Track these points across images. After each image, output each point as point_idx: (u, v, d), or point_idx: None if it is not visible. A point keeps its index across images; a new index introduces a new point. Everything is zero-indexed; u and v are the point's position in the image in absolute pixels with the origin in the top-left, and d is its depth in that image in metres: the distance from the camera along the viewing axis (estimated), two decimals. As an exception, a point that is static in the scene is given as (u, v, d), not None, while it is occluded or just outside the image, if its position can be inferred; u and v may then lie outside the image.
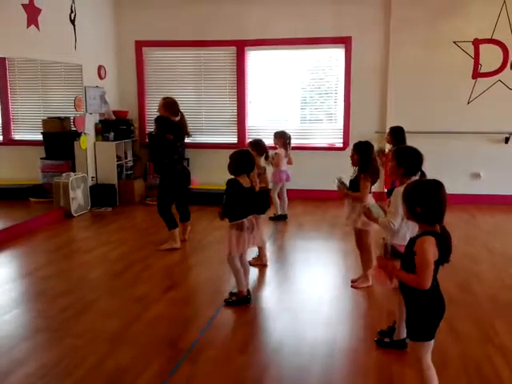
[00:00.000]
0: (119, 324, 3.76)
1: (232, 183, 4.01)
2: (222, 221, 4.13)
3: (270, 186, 5.86)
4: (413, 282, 2.39)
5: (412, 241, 2.44)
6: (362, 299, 4.24)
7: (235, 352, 3.35)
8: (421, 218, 2.43)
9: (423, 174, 3.18)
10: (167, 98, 5.66)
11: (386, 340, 3.43)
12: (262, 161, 5.27)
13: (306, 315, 3.95)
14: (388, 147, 5.78)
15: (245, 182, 4.05)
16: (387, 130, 5.82)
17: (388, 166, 3.45)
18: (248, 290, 4.18)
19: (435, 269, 2.39)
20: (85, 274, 4.93)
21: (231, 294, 4.19)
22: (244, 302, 4.10)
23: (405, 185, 2.81)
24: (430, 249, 2.32)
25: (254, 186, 4.13)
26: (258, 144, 5.25)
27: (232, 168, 4.08)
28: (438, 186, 2.46)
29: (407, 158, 3.26)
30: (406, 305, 2.59)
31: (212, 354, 3.32)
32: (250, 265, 4.62)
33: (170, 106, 5.54)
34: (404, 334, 3.30)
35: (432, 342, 2.57)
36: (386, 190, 6.07)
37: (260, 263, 5.10)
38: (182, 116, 5.65)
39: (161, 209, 5.62)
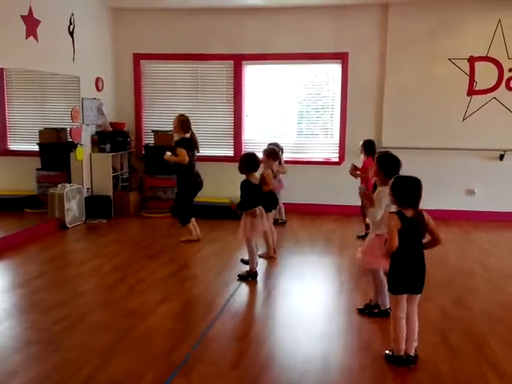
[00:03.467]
0: (111, 337, 3.73)
1: (245, 183, 5.00)
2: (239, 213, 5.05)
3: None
4: (386, 245, 3.28)
5: None
6: (356, 315, 4.21)
7: (227, 367, 3.33)
8: (401, 203, 3.23)
9: None
10: (182, 115, 6.26)
11: (375, 311, 4.16)
12: (275, 166, 6.24)
13: (299, 330, 3.93)
14: (361, 157, 6.53)
15: (254, 179, 5.05)
16: (360, 143, 6.51)
17: (372, 169, 4.15)
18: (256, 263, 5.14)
19: (407, 241, 3.20)
20: (78, 286, 4.90)
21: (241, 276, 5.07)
22: (253, 277, 5.05)
23: (388, 185, 3.49)
24: (392, 222, 3.18)
25: (262, 184, 5.19)
26: (271, 151, 6.15)
27: (242, 168, 5.01)
28: (417, 181, 3.25)
29: (388, 163, 3.90)
30: None
31: (204, 369, 3.29)
32: (260, 257, 5.50)
33: (184, 123, 6.16)
34: (388, 305, 4.01)
35: (400, 297, 3.29)
36: None
37: (268, 256, 5.75)
38: (193, 133, 6.24)
39: (177, 211, 6.29)
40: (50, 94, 7.96)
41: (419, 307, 3.40)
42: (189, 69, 8.46)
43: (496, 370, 3.31)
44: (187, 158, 6.02)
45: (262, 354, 3.53)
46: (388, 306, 4.05)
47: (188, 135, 6.18)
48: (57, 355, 3.45)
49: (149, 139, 8.48)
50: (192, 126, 6.27)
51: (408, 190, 3.22)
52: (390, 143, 7.54)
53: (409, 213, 3.20)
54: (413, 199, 3.21)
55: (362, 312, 4.20)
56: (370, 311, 4.17)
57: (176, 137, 6.35)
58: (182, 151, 6.00)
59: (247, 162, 5.04)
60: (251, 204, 5.01)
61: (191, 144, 6.17)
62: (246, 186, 5.01)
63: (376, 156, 4.13)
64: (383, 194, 3.82)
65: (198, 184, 6.30)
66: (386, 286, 3.97)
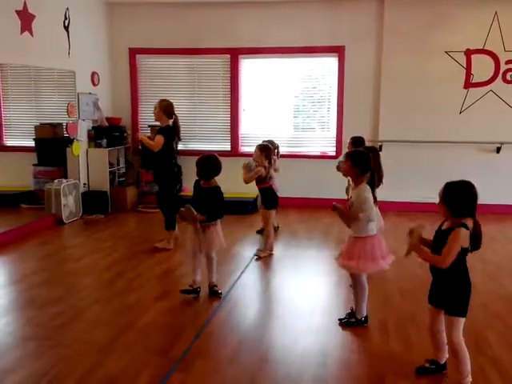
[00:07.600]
0: (110, 332, 3.73)
1: (219, 190, 4.38)
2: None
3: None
4: (436, 261, 2.88)
5: (446, 231, 2.88)
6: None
7: (226, 362, 3.33)
8: (459, 214, 2.84)
9: (372, 172, 3.76)
10: (164, 100, 5.88)
11: (352, 320, 3.88)
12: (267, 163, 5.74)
13: (297, 324, 3.94)
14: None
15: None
16: (348, 140, 5.99)
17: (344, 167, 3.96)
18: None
19: (465, 255, 2.87)
20: (75, 281, 4.89)
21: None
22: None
23: (364, 183, 3.61)
24: (461, 239, 2.79)
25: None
26: (264, 147, 5.69)
27: (201, 174, 4.38)
28: (471, 186, 2.89)
29: (360, 160, 3.72)
30: (441, 287, 3.00)
31: (202, 364, 3.30)
32: (259, 258, 5.54)
33: (166, 108, 5.76)
34: (365, 313, 3.85)
35: (464, 319, 2.96)
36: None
37: (264, 254, 5.64)
38: (176, 119, 5.86)
39: (162, 207, 6.01)
40: (45, 89, 7.92)
41: (418, 304, 3.37)
42: (185, 63, 8.43)
43: (495, 364, 3.32)
44: (158, 148, 5.60)
45: (260, 349, 3.53)
46: (365, 315, 3.86)
47: (171, 121, 5.79)
48: (54, 351, 3.44)
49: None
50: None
51: (465, 198, 2.85)
52: (387, 136, 7.52)
53: (469, 224, 2.84)
54: (471, 207, 2.86)
55: (342, 321, 3.93)
56: (348, 321, 3.90)
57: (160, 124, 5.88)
58: (160, 139, 5.60)
59: (207, 166, 4.36)
60: (223, 211, 4.45)
61: (173, 134, 5.81)
62: (220, 192, 4.38)
63: (346, 154, 3.92)
64: (366, 189, 3.68)
65: (176, 181, 6.12)
66: (366, 294, 3.86)
